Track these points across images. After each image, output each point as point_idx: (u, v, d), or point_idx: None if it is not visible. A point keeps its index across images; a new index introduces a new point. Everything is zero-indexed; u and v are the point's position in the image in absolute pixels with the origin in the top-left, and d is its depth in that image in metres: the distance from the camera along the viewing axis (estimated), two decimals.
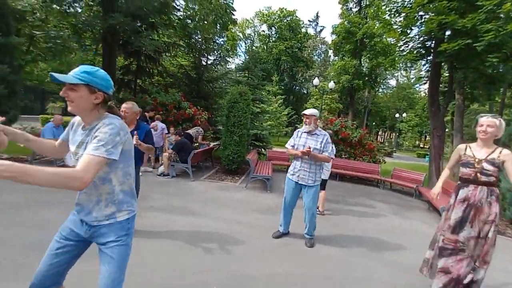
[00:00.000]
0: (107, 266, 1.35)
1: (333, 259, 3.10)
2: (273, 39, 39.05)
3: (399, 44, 9.42)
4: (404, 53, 9.44)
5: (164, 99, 8.75)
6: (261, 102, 10.43)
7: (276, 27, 38.33)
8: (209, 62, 13.04)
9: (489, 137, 2.26)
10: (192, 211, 4.11)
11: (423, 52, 8.78)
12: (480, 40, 6.30)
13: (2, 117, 1.29)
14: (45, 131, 5.73)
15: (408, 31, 8.61)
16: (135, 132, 2.81)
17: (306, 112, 3.31)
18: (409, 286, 2.71)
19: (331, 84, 15.63)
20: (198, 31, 12.03)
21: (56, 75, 1.21)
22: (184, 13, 12.60)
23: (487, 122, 2.24)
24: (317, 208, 4.41)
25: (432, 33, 7.36)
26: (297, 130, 3.49)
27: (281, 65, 37.96)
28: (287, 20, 38.10)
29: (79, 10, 9.01)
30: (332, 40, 25.20)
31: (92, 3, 9.25)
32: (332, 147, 4.22)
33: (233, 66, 18.81)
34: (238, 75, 10.87)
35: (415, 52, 8.82)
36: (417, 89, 37.48)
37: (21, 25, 7.86)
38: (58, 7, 8.09)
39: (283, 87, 33.86)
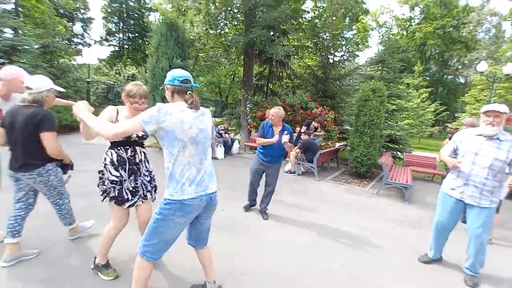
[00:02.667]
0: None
1: None
2: (416, 21, 32.83)
3: None
4: None
5: (292, 100, 9.22)
6: (398, 98, 9.03)
7: (421, 6, 31.98)
8: (336, 59, 12.60)
9: None
10: (319, 211, 4.11)
11: None
12: None
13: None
14: None
15: None
16: (285, 131, 3.33)
17: (494, 107, 2.31)
18: None
19: (509, 68, 11.35)
20: (326, 29, 11.85)
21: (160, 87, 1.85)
22: (313, 13, 12.75)
23: None
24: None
25: None
26: (461, 131, 2.64)
27: (427, 51, 31.38)
28: None
29: (227, 31, 10.96)
30: (511, 8, 18.30)
31: (236, 23, 11.00)
32: None
33: (363, 61, 17.27)
34: (369, 69, 9.90)
35: None
36: None
37: (190, 50, 10.46)
38: (214, 32, 10.16)
39: (428, 78, 27.97)
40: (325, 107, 9.74)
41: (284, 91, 10.43)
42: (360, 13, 16.89)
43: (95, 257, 2.14)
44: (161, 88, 1.78)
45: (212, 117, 8.45)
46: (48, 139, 2.01)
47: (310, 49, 12.60)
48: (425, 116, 18.64)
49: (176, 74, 1.66)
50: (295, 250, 2.87)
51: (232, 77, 21.45)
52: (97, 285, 2.02)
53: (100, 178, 2.01)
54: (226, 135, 8.58)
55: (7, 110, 2.11)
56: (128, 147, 2.03)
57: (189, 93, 1.65)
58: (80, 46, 25.45)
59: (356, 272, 2.55)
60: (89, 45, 25.80)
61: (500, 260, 3.01)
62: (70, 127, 8.57)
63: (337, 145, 8.88)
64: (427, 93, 20.08)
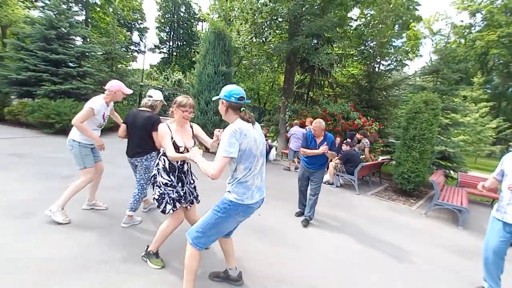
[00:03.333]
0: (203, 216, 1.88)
1: None
2: (477, 28, 29.79)
3: None
4: None
5: (333, 109, 8.97)
6: (453, 112, 8.23)
7: (483, 12, 28.99)
8: (382, 68, 11.98)
9: None
10: (358, 226, 3.90)
11: None
12: None
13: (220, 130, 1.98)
14: None
15: None
16: (325, 142, 3.60)
17: None
18: None
19: None
20: (373, 37, 11.37)
21: (213, 98, 1.96)
22: (360, 21, 12.37)
23: None
24: None
25: None
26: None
27: (489, 61, 28.26)
28: (503, 0, 27.77)
29: (271, 39, 11.14)
30: None
31: (280, 32, 11.14)
32: None
33: (412, 71, 16.13)
34: (421, 79, 9.22)
35: None
36: None
37: (233, 57, 10.82)
38: (259, 40, 10.41)
39: (490, 91, 25.11)
40: (369, 118, 9.28)
41: (325, 100, 10.21)
42: (411, 20, 15.92)
43: (148, 246, 2.31)
44: (214, 99, 1.92)
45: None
46: (156, 135, 2.62)
47: (354, 57, 12.19)
48: (484, 133, 16.68)
49: (233, 91, 1.79)
50: (334, 265, 2.75)
51: (272, 84, 21.69)
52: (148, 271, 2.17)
53: (153, 181, 2.26)
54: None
55: (129, 112, 2.93)
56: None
57: (243, 110, 1.83)
58: (135, 53, 28.00)
59: None
60: (143, 52, 28.37)
61: None
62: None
63: (380, 158, 8.38)
64: (488, 108, 17.98)
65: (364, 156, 7.04)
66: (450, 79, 8.25)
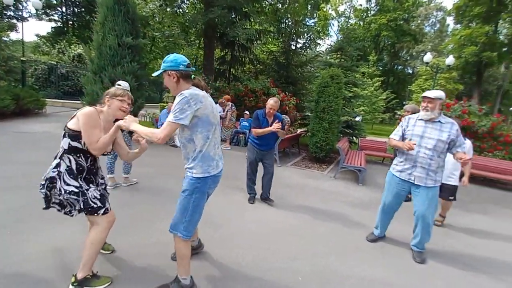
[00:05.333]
0: (176, 207, 1.77)
1: (446, 275, 2.50)
2: (372, 12, 34.51)
3: None
4: None
5: (254, 86, 9.09)
6: (354, 86, 9.45)
7: None
8: (298, 46, 12.70)
9: None
10: (277, 196, 4.13)
11: None
12: None
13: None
14: (161, 116, 7.02)
15: None
16: (277, 120, 3.54)
17: (429, 94, 2.52)
18: None
19: (449, 60, 12.57)
20: (288, 15, 11.78)
21: (153, 73, 1.78)
22: None
23: None
24: (442, 218, 3.65)
25: None
26: (407, 117, 2.75)
27: (381, 42, 33.40)
28: None
29: (186, 9, 10.27)
30: (454, 3, 20.14)
31: (195, 1, 10.35)
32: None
33: (323, 48, 17.68)
34: (329, 57, 10.15)
35: None
36: None
37: (146, 29, 9.61)
38: (170, 9, 9.42)
39: (381, 68, 29.92)
40: (287, 93, 9.80)
41: (246, 76, 10.24)
42: (321, 1, 17.06)
43: (74, 275, 1.76)
44: (156, 74, 1.73)
45: (172, 102, 8.04)
46: None
47: (272, 34, 12.46)
48: (377, 103, 20.02)
49: (180, 58, 1.67)
50: (259, 235, 2.83)
51: (194, 61, 20.52)
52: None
53: (49, 187, 1.67)
54: None
55: None
56: (89, 155, 1.75)
57: (194, 77, 1.75)
58: (14, 20, 21.82)
59: (318, 252, 2.60)
60: (24, 19, 22.27)
61: (442, 236, 3.34)
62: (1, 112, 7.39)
63: (299, 131, 9.07)
64: (380, 82, 21.48)
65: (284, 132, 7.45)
66: (352, 57, 9.31)
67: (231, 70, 12.43)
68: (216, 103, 8.36)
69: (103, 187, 1.93)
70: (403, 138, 2.70)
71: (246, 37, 8.58)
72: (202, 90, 1.74)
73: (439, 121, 2.53)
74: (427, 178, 2.54)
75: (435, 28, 32.13)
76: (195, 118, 1.60)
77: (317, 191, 4.63)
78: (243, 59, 12.61)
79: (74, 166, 1.70)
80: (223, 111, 7.47)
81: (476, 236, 3.47)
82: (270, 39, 14.00)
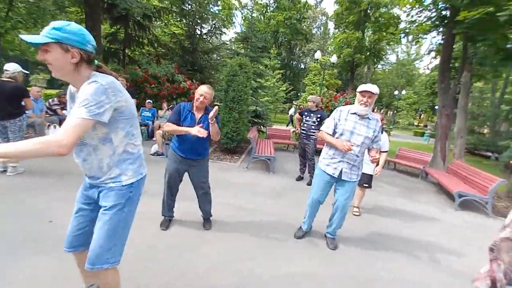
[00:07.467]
0: (98, 232, 1.34)
1: (352, 255, 2.79)
2: (271, 8, 36.82)
3: (411, 14, 8.67)
4: (415, 24, 8.76)
5: (156, 71, 8.04)
6: (259, 77, 9.75)
7: None
8: (204, 32, 12.06)
9: None
10: (188, 195, 3.68)
11: (437, 23, 8.10)
12: (503, 9, 5.70)
13: None
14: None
15: None
16: (208, 119, 2.43)
17: (368, 88, 2.38)
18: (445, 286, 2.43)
19: (334, 58, 14.78)
20: None
21: (25, 36, 1.09)
22: None
23: None
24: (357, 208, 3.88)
25: (451, 0, 6.66)
26: (338, 110, 2.60)
27: (279, 37, 36.20)
28: None
29: None
30: (334, 10, 23.73)
31: None
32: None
33: (228, 38, 17.61)
34: (236, 46, 10.06)
35: (429, 22, 8.13)
36: (416, 66, 36.64)
37: None
38: None
39: (280, 62, 32.55)
40: (194, 81, 9.17)
41: (145, 59, 8.94)
42: None
43: None
44: (43, 40, 1.10)
45: (41, 86, 6.13)
46: (28, 101, 3.63)
47: (175, 14, 11.32)
48: (279, 94, 21.79)
49: (87, 35, 1.22)
50: (158, 250, 2.37)
51: None
52: None
53: None
54: (64, 111, 6.44)
55: None
56: None
57: (99, 64, 1.31)
58: None
59: (241, 256, 2.40)
60: None
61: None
62: None
63: None
64: (280, 74, 23.39)
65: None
66: (256, 47, 9.51)
67: (126, 51, 10.64)
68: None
69: None
70: (334, 132, 2.59)
71: (141, 12, 7.35)
72: (114, 77, 1.35)
73: (367, 117, 2.50)
74: (352, 173, 2.57)
75: (321, 30, 37.33)
76: (115, 112, 1.25)
77: (232, 185, 4.47)
78: (141, 39, 10.99)
79: None
80: None
81: (388, 218, 4.00)
82: (172, 20, 12.74)
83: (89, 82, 1.16)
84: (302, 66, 39.88)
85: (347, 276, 2.37)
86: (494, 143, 13.09)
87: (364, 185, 3.78)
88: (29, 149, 1.01)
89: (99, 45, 8.58)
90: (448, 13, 7.61)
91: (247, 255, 2.48)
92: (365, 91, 2.41)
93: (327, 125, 2.62)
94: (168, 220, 2.87)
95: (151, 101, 7.32)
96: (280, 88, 22.28)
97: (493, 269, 1.69)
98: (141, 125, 7.06)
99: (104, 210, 1.34)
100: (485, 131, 17.85)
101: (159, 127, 6.40)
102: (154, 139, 6.47)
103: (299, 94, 30.90)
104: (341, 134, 2.53)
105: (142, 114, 7.24)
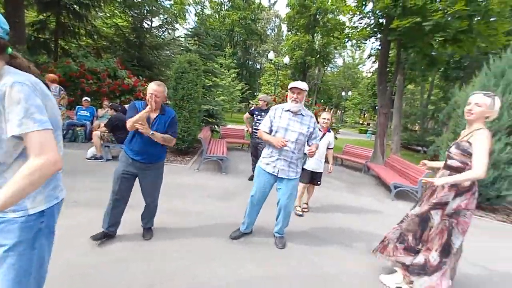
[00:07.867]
0: (2, 283, 0.99)
1: (299, 253, 2.82)
2: (226, 7, 36.51)
3: (353, 20, 9.36)
4: (357, 30, 9.48)
5: (94, 65, 7.25)
6: (213, 75, 9.52)
7: None
8: (153, 25, 11.34)
9: (475, 117, 1.95)
10: (131, 203, 3.38)
11: (375, 29, 8.88)
12: (428, 19, 6.50)
13: None
14: None
15: (363, 6, 8.57)
16: (163, 120, 2.32)
17: (297, 84, 2.46)
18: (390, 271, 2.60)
19: (286, 59, 15.27)
20: None
21: None
22: None
23: (476, 100, 1.98)
24: (306, 205, 3.97)
25: (386, 9, 7.35)
26: (273, 108, 2.66)
27: (234, 37, 36.12)
28: None
29: None
30: (287, 13, 24.52)
31: None
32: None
33: (181, 34, 16.88)
34: (187, 42, 9.65)
35: (368, 28, 8.86)
36: (360, 69, 40.05)
37: None
38: None
39: (236, 61, 32.51)
40: (142, 78, 8.53)
41: (81, 52, 8.00)
42: None
43: None
44: None
45: None
46: None
47: (117, 4, 10.39)
48: (235, 93, 21.69)
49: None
50: (103, 266, 2.08)
51: None
52: None
53: None
54: None
55: None
56: None
57: (13, 54, 1.01)
58: None
59: (179, 266, 2.22)
60: None
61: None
62: None
63: None
64: (236, 74, 23.31)
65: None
66: (209, 45, 9.25)
67: (59, 42, 9.41)
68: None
69: None
70: (270, 129, 2.62)
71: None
72: (31, 72, 1.03)
73: (301, 113, 2.57)
74: (289, 170, 2.58)
75: (274, 32, 38.31)
76: None
77: (181, 188, 4.21)
78: (77, 29, 9.83)
79: None
80: None
81: (336, 213, 4.17)
82: (117, 11, 11.69)
83: (11, 85, 0.88)
84: (258, 66, 40.45)
85: (295, 275, 2.38)
86: (423, 139, 14.96)
87: (318, 183, 3.88)
88: (27, 186, 0.88)
89: (22, 33, 7.41)
90: (384, 21, 8.39)
91: (194, 261, 2.32)
92: (294, 87, 2.49)
93: (264, 124, 2.64)
94: (103, 234, 2.46)
95: (88, 99, 6.57)
96: (236, 88, 22.20)
97: (391, 232, 2.43)
98: (76, 126, 6.29)
99: (5, 251, 0.99)
100: (416, 128, 20.31)
101: (99, 127, 5.78)
102: (92, 141, 5.81)
103: (255, 93, 31.24)
104: (276, 132, 2.57)
105: (79, 113, 6.46)
